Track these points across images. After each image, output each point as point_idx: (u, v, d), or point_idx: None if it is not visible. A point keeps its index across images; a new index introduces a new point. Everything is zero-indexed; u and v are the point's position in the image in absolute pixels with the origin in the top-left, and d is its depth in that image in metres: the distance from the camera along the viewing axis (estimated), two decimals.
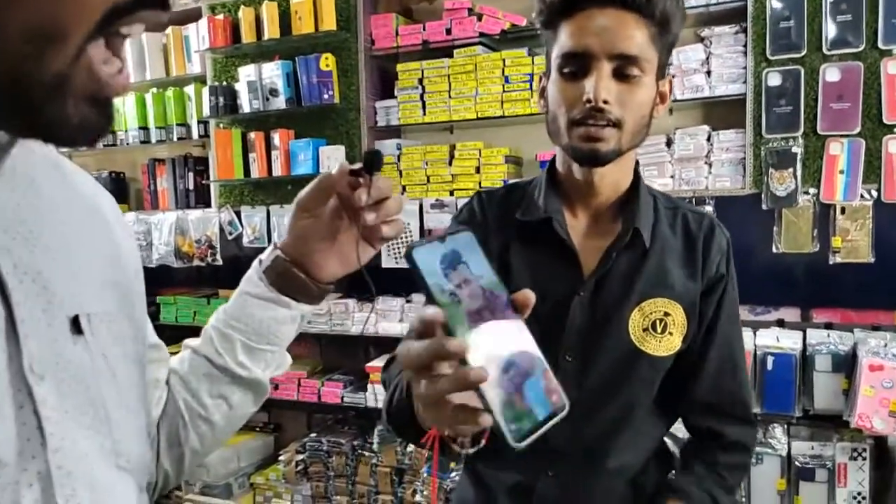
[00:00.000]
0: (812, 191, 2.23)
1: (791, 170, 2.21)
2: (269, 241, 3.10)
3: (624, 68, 0.94)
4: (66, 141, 0.49)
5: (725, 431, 1.06)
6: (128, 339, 0.62)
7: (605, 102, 0.93)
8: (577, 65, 0.95)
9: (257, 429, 3.39)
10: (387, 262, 2.85)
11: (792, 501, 2.23)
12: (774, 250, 2.29)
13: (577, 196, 1.06)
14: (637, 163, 1.08)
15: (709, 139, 2.36)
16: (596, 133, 0.95)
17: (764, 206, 2.26)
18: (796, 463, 2.22)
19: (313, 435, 3.05)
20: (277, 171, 2.93)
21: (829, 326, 2.32)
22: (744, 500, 2.23)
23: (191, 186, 3.29)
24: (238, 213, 3.12)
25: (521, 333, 0.60)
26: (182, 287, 3.54)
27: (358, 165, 0.68)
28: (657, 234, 1.04)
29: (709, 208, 2.31)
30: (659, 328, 1.00)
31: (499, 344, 0.58)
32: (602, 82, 0.93)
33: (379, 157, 0.66)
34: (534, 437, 0.57)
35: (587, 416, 1.02)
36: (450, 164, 2.76)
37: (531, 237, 1.05)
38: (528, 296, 0.61)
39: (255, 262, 0.75)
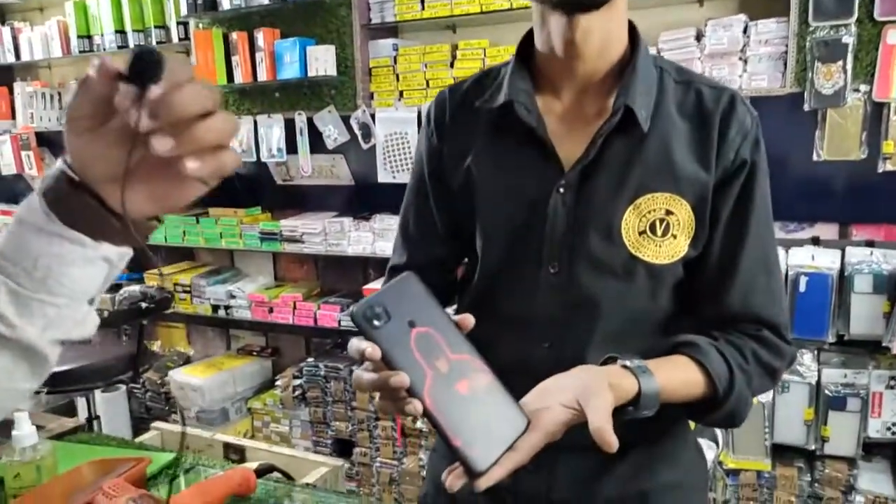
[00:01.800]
0: (864, 88, 1.95)
1: (840, 63, 1.92)
2: (258, 155, 2.88)
3: None
4: None
5: (763, 333, 0.86)
6: None
7: None
8: None
9: (254, 353, 3.27)
10: (383, 177, 2.63)
11: (819, 432, 2.06)
12: (815, 158, 2.03)
13: (558, 70, 0.86)
14: (635, 27, 0.86)
15: (745, 31, 2.06)
16: None
17: (806, 107, 1.98)
18: (826, 392, 2.04)
19: (310, 360, 2.92)
20: (263, 75, 2.67)
21: (870, 244, 2.08)
22: (766, 431, 2.07)
23: None
24: None
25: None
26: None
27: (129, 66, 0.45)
28: (661, 113, 0.83)
29: None
30: (659, 230, 0.82)
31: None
32: None
33: (151, 59, 0.44)
34: (497, 459, 0.65)
35: (577, 338, 0.85)
36: (451, 66, 2.48)
37: (498, 129, 0.88)
38: (467, 318, 0.69)
39: (39, 180, 0.55)
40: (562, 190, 0.84)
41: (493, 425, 0.67)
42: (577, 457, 0.87)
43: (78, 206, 0.50)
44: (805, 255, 2.06)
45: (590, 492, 0.89)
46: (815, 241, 2.16)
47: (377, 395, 0.70)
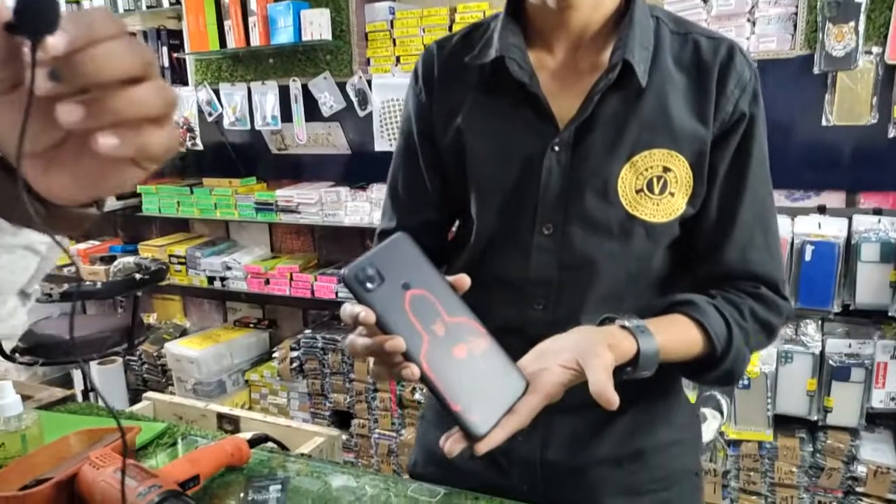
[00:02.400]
0: (876, 50, 1.89)
1: (852, 24, 1.85)
2: (252, 123, 2.82)
3: None
4: None
5: (761, 290, 0.84)
6: None
7: None
8: None
9: (251, 325, 3.24)
10: (380, 146, 2.58)
11: (822, 403, 2.04)
12: (824, 123, 1.98)
13: (550, 23, 0.82)
14: None
15: None
16: None
17: (816, 70, 1.93)
18: (830, 362, 2.01)
19: (308, 332, 2.89)
20: (256, 40, 2.60)
21: (878, 212, 2.04)
22: (769, 402, 2.04)
23: (165, 63, 2.97)
24: (217, 92, 2.82)
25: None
26: (163, 176, 3.30)
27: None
28: (658, 67, 0.80)
29: None
30: (657, 188, 0.80)
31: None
32: None
33: (38, 1, 0.35)
34: (496, 422, 0.63)
35: (572, 300, 0.83)
36: (450, 30, 2.41)
37: (489, 86, 0.85)
38: (463, 279, 0.66)
39: None
40: (556, 148, 0.81)
41: (492, 388, 0.64)
42: (572, 418, 0.85)
43: None
44: (811, 224, 2.02)
45: (585, 452, 0.88)
46: (822, 210, 2.11)
47: (372, 360, 0.67)
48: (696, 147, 0.80)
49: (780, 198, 2.18)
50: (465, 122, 0.86)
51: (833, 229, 1.98)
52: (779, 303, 0.84)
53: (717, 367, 0.81)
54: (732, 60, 0.80)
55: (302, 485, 0.95)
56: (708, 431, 1.22)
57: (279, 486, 0.94)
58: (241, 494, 0.93)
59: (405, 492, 0.90)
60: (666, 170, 0.80)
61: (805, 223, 2.03)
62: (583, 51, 0.82)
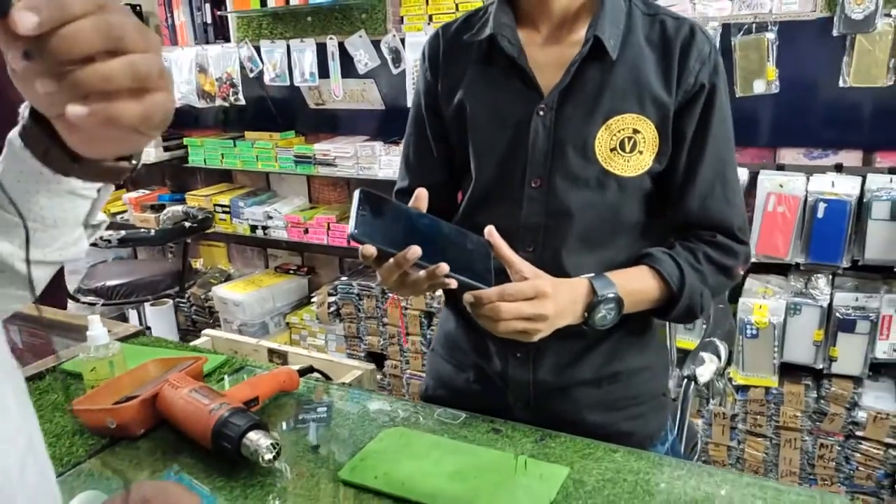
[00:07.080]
0: (895, 12, 1.92)
1: None
2: (291, 79, 2.95)
3: None
4: None
5: (717, 238, 0.99)
6: None
7: None
8: None
9: (291, 271, 3.44)
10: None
11: (827, 353, 2.15)
12: (841, 84, 2.03)
13: (536, 5, 0.96)
14: None
15: None
16: None
17: (835, 32, 1.97)
18: (837, 314, 2.11)
19: (344, 278, 3.07)
20: None
21: (893, 171, 2.10)
22: (776, 351, 2.16)
23: (208, 20, 3.09)
24: (258, 49, 2.94)
25: (434, 222, 0.85)
26: (208, 129, 3.46)
27: None
28: (630, 42, 0.94)
29: (770, 35, 2.03)
30: (628, 147, 0.94)
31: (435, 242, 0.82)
32: None
33: None
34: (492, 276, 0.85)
35: (555, 242, 0.98)
36: None
37: (485, 60, 0.99)
38: (421, 193, 0.85)
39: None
40: (541, 112, 0.94)
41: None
42: (559, 344, 1.00)
43: (33, 133, 0.48)
44: (825, 182, 2.09)
45: (570, 374, 1.03)
46: (839, 168, 2.17)
47: (392, 282, 0.83)
48: (661, 112, 0.93)
49: (798, 156, 2.24)
50: (466, 93, 1.00)
51: (847, 187, 2.05)
52: (734, 247, 0.99)
53: (676, 304, 0.96)
54: (694, 38, 0.93)
55: (344, 408, 1.11)
56: (705, 373, 1.36)
57: (325, 409, 1.11)
58: (294, 414, 1.10)
59: (433, 415, 1.06)
60: (636, 131, 0.93)
61: (820, 181, 2.10)
62: (565, 29, 0.96)
